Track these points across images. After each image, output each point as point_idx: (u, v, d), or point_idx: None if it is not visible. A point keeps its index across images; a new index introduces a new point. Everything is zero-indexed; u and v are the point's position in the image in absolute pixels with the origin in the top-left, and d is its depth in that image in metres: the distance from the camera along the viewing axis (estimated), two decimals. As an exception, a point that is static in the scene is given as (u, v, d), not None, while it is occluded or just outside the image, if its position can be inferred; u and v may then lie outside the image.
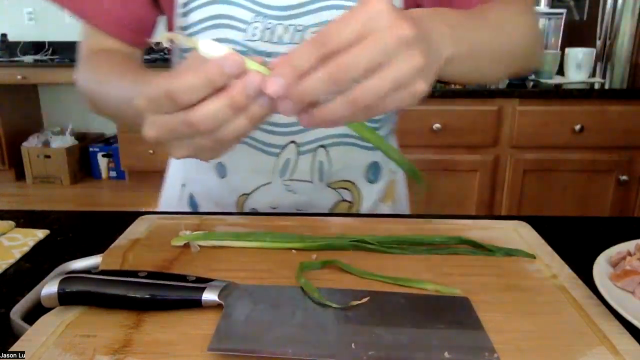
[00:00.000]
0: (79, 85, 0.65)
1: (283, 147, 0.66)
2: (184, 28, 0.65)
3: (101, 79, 0.61)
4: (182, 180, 0.78)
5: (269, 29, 0.62)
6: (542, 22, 2.14)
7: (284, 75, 0.34)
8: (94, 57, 0.66)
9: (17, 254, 0.54)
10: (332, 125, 0.37)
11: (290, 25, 0.62)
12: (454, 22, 0.44)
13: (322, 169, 0.68)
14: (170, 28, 0.69)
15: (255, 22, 0.62)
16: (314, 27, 0.62)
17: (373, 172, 0.73)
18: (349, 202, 0.72)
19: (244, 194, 0.70)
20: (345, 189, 0.71)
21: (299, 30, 0.62)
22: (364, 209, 0.74)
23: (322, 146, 0.67)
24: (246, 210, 0.71)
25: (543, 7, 2.20)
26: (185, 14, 0.64)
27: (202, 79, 0.35)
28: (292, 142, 0.66)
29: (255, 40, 0.62)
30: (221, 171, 0.70)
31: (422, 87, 0.36)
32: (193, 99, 0.36)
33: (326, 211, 0.72)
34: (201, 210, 0.76)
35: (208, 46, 0.36)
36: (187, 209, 0.77)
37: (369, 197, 0.73)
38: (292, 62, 0.34)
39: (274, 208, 0.70)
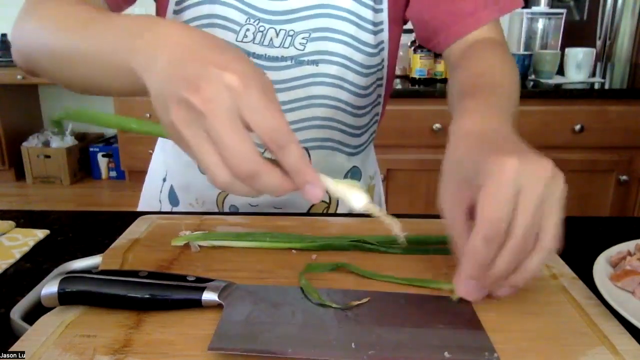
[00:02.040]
0: (22, 36, 0.53)
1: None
2: None
3: (70, 25, 0.47)
4: (163, 173, 0.79)
5: (261, 32, 0.63)
6: (542, 22, 2.14)
7: (474, 276, 0.40)
8: (50, 2, 0.53)
9: (17, 254, 0.54)
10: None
11: (281, 29, 0.63)
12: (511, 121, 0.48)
13: None
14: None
15: (248, 24, 0.63)
16: (304, 32, 0.64)
17: (352, 176, 0.75)
18: (326, 202, 0.74)
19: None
20: None
21: (290, 35, 0.63)
22: (339, 211, 0.76)
23: (304, 149, 0.68)
24: (226, 206, 0.72)
25: (543, 7, 2.20)
26: (178, 11, 0.64)
27: (287, 190, 0.36)
28: None
29: (246, 42, 0.63)
30: None
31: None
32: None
33: (304, 210, 0.73)
34: (181, 205, 0.76)
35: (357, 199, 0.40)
36: (167, 203, 0.78)
37: None
38: (476, 260, 0.38)
39: (254, 206, 0.71)
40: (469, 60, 0.61)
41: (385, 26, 0.67)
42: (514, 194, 0.37)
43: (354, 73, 0.67)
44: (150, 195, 0.81)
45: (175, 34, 0.38)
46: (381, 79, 0.72)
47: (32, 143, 3.56)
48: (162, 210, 0.79)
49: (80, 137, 3.73)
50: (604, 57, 2.27)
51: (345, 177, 0.74)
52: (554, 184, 0.38)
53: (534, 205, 0.37)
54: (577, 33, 2.25)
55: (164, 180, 0.78)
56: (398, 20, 0.69)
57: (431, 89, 1.92)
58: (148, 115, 3.25)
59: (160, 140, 0.80)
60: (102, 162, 3.67)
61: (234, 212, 0.71)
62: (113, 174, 3.67)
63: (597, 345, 0.38)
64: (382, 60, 0.70)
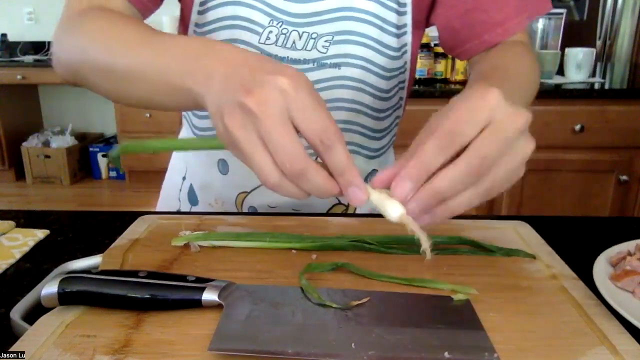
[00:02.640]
0: (68, 49, 0.54)
1: None
2: (200, 25, 0.65)
3: (123, 42, 0.49)
4: (182, 173, 0.79)
5: (284, 34, 0.63)
6: (542, 22, 2.14)
7: (412, 177, 0.36)
8: (99, 13, 0.54)
9: (17, 254, 0.54)
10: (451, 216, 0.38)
11: (304, 32, 0.63)
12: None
13: None
14: (183, 21, 0.68)
15: (271, 26, 0.63)
16: (327, 35, 0.63)
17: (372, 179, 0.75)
18: (345, 205, 0.74)
19: (244, 192, 0.70)
20: None
21: (313, 38, 0.63)
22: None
23: None
24: (245, 207, 0.72)
25: (543, 7, 2.20)
26: (202, 12, 0.64)
27: (332, 191, 0.38)
28: None
29: (269, 44, 0.63)
30: (224, 168, 0.71)
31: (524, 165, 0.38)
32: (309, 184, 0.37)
33: (323, 212, 0.73)
34: (200, 204, 0.76)
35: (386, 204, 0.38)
36: (186, 202, 0.78)
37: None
38: (421, 161, 0.36)
39: (273, 207, 0.71)
40: (488, 55, 0.62)
41: (409, 29, 0.66)
42: (483, 121, 0.35)
43: (376, 76, 0.67)
44: (169, 196, 0.81)
45: (228, 53, 0.40)
46: (403, 82, 0.71)
47: (32, 143, 3.56)
48: (182, 210, 0.79)
49: (80, 137, 3.73)
50: (604, 57, 2.27)
51: (365, 180, 0.74)
52: (523, 139, 0.37)
53: (498, 139, 0.35)
54: (577, 33, 2.25)
55: (184, 178, 0.78)
56: (420, 24, 0.69)
57: (431, 89, 1.92)
58: (148, 115, 3.25)
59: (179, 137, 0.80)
60: (102, 162, 3.68)
61: (253, 213, 0.71)
62: (113, 174, 3.67)
63: (597, 345, 0.38)
64: (405, 64, 0.69)
